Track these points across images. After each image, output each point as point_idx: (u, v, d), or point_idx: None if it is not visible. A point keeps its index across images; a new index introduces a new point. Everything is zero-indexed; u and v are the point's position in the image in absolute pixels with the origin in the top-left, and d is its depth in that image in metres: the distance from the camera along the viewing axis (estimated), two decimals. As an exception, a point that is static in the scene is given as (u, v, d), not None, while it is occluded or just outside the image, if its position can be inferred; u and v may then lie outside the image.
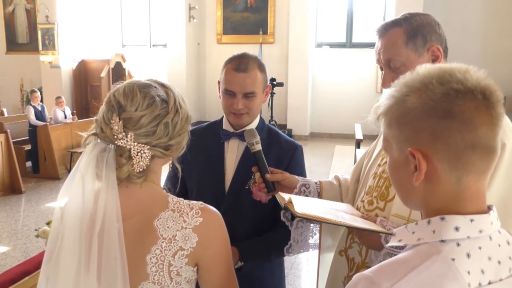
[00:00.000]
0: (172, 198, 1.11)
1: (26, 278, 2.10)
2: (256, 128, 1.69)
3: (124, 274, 1.01)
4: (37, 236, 2.65)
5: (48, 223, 2.69)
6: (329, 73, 11.87)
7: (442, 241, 0.74)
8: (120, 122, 1.04)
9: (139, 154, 1.05)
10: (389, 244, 0.86)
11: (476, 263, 0.73)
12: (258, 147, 1.55)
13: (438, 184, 0.76)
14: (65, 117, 8.27)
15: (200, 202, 1.12)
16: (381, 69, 1.42)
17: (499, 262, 0.75)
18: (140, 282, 1.05)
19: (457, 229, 0.74)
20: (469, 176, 0.75)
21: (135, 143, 1.04)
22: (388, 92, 0.84)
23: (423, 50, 1.33)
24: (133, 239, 1.05)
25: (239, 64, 1.60)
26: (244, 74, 1.59)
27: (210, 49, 12.59)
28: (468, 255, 0.73)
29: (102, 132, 1.06)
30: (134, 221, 1.07)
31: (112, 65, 11.24)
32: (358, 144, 6.64)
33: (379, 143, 1.51)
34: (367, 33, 11.82)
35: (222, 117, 1.75)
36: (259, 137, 1.56)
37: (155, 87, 1.10)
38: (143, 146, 1.05)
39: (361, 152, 5.33)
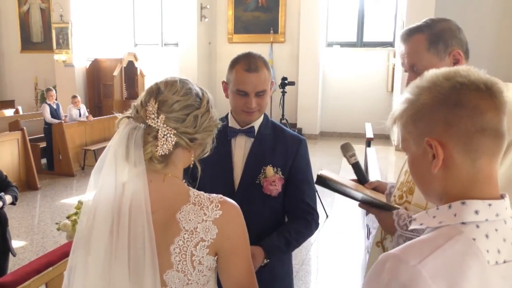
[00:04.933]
0: (193, 192, 1.17)
1: (50, 268, 2.18)
2: (261, 124, 1.77)
3: (154, 263, 1.08)
4: (58, 229, 2.74)
5: (68, 217, 2.78)
6: (340, 72, 11.88)
7: (463, 223, 0.82)
8: (156, 104, 1.12)
9: (165, 136, 1.11)
10: (411, 227, 0.93)
11: (494, 243, 0.81)
12: (355, 159, 1.66)
13: (455, 168, 0.84)
14: (80, 115, 8.40)
15: (220, 196, 1.18)
16: (406, 71, 1.50)
17: (506, 244, 0.82)
18: (165, 270, 1.12)
19: (476, 212, 0.82)
20: (481, 158, 0.83)
21: (164, 125, 1.11)
22: (402, 98, 0.94)
23: (444, 54, 1.41)
24: (158, 231, 1.11)
25: (250, 65, 1.66)
26: (255, 74, 1.66)
27: (221, 48, 12.66)
28: (487, 236, 0.81)
29: (136, 113, 1.14)
30: (158, 214, 1.13)
31: (124, 64, 11.39)
32: (368, 143, 6.66)
33: None
34: (378, 32, 11.82)
35: (227, 115, 1.81)
36: (355, 150, 1.69)
37: (193, 84, 1.20)
38: (170, 130, 1.12)
39: (371, 150, 5.37)
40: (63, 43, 10.95)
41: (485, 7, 9.89)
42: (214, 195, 1.18)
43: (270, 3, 12.02)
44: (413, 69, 1.44)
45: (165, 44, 13.18)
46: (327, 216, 5.62)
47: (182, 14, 11.86)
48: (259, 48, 12.35)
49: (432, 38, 1.41)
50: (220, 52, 12.68)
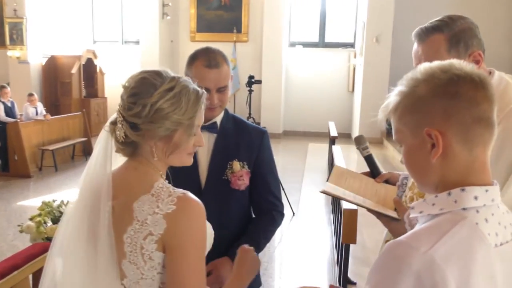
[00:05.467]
0: (159, 184, 1.12)
1: (15, 272, 2.08)
2: (223, 118, 1.75)
3: (112, 251, 1.10)
4: (21, 231, 2.61)
5: (31, 218, 2.66)
6: (302, 72, 12.02)
7: (464, 209, 0.85)
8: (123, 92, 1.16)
9: (117, 123, 1.14)
10: (411, 215, 0.95)
11: (492, 227, 0.85)
12: (368, 151, 1.65)
13: (453, 157, 0.87)
14: (37, 113, 8.06)
15: (183, 191, 1.11)
16: None
17: (505, 227, 0.87)
18: (121, 260, 1.11)
19: (476, 198, 0.86)
20: (477, 147, 0.87)
21: (118, 113, 1.15)
22: (394, 92, 0.96)
23: (465, 56, 1.34)
24: (116, 218, 1.11)
25: (210, 61, 1.63)
26: (216, 69, 1.63)
27: (183, 47, 12.51)
28: (486, 220, 0.85)
29: None
30: (119, 201, 1.13)
31: (83, 62, 11.05)
32: (333, 141, 6.78)
33: None
34: (339, 33, 12.05)
35: None
36: (367, 142, 1.67)
37: (160, 74, 1.15)
38: (120, 116, 1.14)
39: (337, 148, 5.47)
40: (17, 39, 10.47)
41: (442, 8, 10.28)
42: (179, 190, 1.12)
43: (233, 2, 12.00)
44: None
45: (125, 42, 12.88)
46: (293, 214, 5.67)
47: (143, 11, 11.63)
48: (222, 47, 12.06)
49: (452, 39, 1.34)
50: (182, 51, 12.52)
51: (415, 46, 1.42)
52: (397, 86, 0.96)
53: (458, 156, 0.87)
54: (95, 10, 12.82)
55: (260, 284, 1.91)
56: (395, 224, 1.36)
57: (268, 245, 1.86)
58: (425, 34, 1.39)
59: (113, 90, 12.26)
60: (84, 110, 9.26)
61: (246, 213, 1.79)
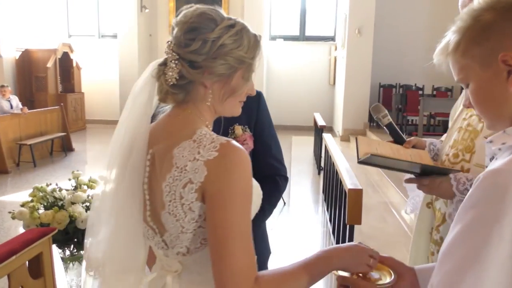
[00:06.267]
0: (203, 131, 1.02)
1: (13, 257, 1.94)
2: None
3: (140, 204, 1.05)
4: (13, 217, 2.45)
5: (23, 205, 2.50)
6: (284, 66, 11.98)
7: None
8: (175, 29, 1.05)
9: (170, 63, 1.03)
10: (493, 148, 0.89)
11: None
12: (389, 119, 1.59)
13: None
14: (12, 107, 7.74)
15: (227, 138, 1.00)
16: None
17: None
18: (160, 211, 1.02)
19: None
20: None
21: (171, 52, 1.03)
22: (448, 34, 0.92)
23: None
24: (156, 165, 1.03)
25: None
26: None
27: (163, 41, 12.25)
28: None
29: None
30: (160, 147, 1.04)
31: (59, 56, 10.70)
32: (321, 130, 6.76)
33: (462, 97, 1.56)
34: (320, 27, 12.07)
35: None
36: (386, 110, 1.61)
37: (217, 10, 1.08)
38: (174, 55, 1.02)
39: (328, 136, 5.42)
40: (-11, 32, 10.05)
41: (420, 11, 10.42)
42: (223, 137, 1.01)
43: (213, -5, 11.86)
44: None
45: (102, 36, 12.55)
46: (284, 203, 5.61)
47: (120, 5, 11.37)
48: (202, 41, 12.09)
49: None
50: (162, 45, 12.29)
51: None
52: (450, 27, 0.92)
53: None
54: (70, 3, 12.44)
55: (270, 252, 1.87)
56: (440, 180, 1.31)
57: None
58: None
59: (90, 85, 11.97)
60: (62, 104, 8.95)
61: None
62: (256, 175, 1.70)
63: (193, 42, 1.01)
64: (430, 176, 1.35)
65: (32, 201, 2.54)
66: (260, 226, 1.72)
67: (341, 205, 3.63)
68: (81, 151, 8.97)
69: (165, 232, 1.04)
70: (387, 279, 1.01)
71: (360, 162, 1.38)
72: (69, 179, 2.71)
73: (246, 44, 1.05)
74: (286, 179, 1.78)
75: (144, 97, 1.05)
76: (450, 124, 1.65)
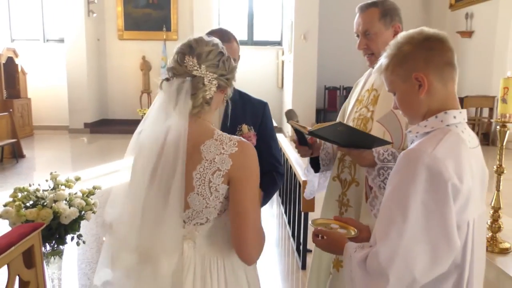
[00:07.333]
0: (218, 132, 1.41)
1: (12, 248, 2.14)
2: None
3: (182, 187, 1.32)
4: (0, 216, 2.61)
5: (5, 205, 2.67)
6: (233, 69, 12.31)
7: (447, 125, 1.23)
8: (194, 58, 1.36)
9: (209, 81, 1.37)
10: (410, 135, 1.30)
11: (466, 136, 1.23)
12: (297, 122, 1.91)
13: (434, 91, 1.24)
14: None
15: (238, 137, 1.41)
16: (357, 36, 1.91)
17: (472, 137, 1.27)
18: (188, 193, 1.36)
19: (454, 117, 1.24)
20: (449, 82, 1.26)
21: (207, 72, 1.36)
22: (381, 59, 1.33)
23: (389, 25, 1.87)
24: (186, 160, 1.35)
25: (223, 36, 1.90)
26: (228, 44, 1.89)
27: (111, 45, 12.27)
28: (462, 132, 1.24)
29: (176, 72, 1.37)
30: (187, 146, 1.36)
31: (3, 61, 10.41)
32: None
33: (354, 95, 1.97)
34: (267, 32, 12.54)
35: None
36: (297, 116, 1.96)
37: (211, 36, 1.44)
38: (212, 75, 1.37)
39: (279, 136, 5.83)
40: None
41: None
42: (234, 136, 1.41)
43: (161, 0, 11.99)
44: (365, 34, 1.87)
45: (47, 40, 12.30)
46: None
47: (67, 9, 11.24)
48: (152, 45, 12.31)
49: (383, 12, 1.86)
50: (110, 49, 12.28)
51: (357, 16, 1.90)
52: (383, 53, 1.33)
53: (437, 90, 1.24)
54: (12, 6, 12.10)
55: None
56: (367, 152, 1.68)
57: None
58: (366, 7, 1.88)
59: (37, 90, 11.70)
60: (11, 110, 8.78)
61: None
62: None
63: (219, 63, 1.39)
64: (357, 148, 1.70)
65: (14, 201, 2.72)
66: None
67: (296, 196, 4.04)
68: (31, 157, 8.84)
69: (187, 208, 1.37)
70: (352, 233, 1.43)
71: (311, 133, 1.72)
72: (46, 180, 2.91)
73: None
74: (282, 176, 2.13)
75: (179, 109, 1.36)
76: (340, 118, 2.07)
